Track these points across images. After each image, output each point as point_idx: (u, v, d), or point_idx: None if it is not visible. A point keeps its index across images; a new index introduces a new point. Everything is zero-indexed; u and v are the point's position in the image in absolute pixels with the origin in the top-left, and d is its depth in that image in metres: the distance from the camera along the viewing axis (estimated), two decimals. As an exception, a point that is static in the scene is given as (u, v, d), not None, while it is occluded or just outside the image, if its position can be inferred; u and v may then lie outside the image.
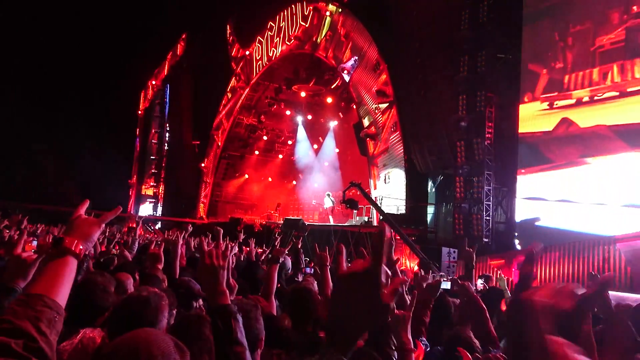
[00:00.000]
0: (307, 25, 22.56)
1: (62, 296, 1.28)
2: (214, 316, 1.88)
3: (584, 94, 12.51)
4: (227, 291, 1.92)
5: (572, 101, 12.77)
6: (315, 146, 28.28)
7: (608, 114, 11.84)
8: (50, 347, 1.17)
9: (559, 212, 12.18)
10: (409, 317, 2.18)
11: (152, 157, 38.86)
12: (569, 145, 12.72)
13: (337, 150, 26.47)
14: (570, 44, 13.05)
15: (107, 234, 10.01)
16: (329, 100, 23.83)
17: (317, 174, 27.97)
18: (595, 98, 12.22)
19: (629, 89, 11.42)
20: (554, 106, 13.20)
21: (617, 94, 11.70)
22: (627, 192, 10.89)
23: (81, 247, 1.41)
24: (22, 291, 1.22)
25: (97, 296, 2.55)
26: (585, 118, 12.43)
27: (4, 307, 1.23)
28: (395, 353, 2.22)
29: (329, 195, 21.95)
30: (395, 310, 2.18)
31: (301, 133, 27.88)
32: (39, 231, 8.62)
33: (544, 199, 12.64)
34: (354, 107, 20.19)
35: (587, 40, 12.51)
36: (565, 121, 12.89)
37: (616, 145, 11.46)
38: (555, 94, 13.19)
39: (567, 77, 12.97)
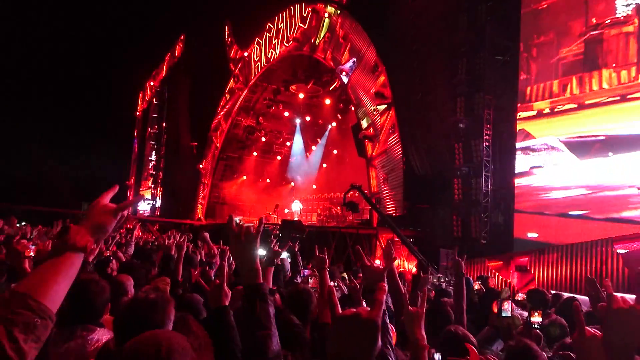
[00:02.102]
0: (305, 27, 22.58)
1: (52, 297, 1.15)
2: (244, 295, 1.89)
3: (544, 105, 12.75)
4: (260, 270, 1.92)
5: (533, 113, 13.03)
6: (314, 148, 28.31)
7: (564, 125, 12.11)
8: (22, 356, 1.05)
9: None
10: (422, 314, 2.18)
11: (150, 159, 38.83)
12: (522, 156, 13.18)
13: (336, 151, 26.51)
14: (535, 56, 13.25)
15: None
16: (328, 101, 23.84)
17: (315, 175, 28.07)
18: (555, 110, 12.44)
19: (587, 102, 11.65)
20: (517, 117, 13.47)
21: (576, 106, 11.92)
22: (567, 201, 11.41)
23: (87, 238, 1.28)
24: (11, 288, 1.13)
25: (94, 296, 2.56)
26: (541, 130, 12.71)
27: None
28: (392, 353, 2.22)
29: (297, 202, 23.21)
30: (409, 307, 2.19)
31: (298, 135, 27.99)
32: (34, 233, 8.58)
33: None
34: (352, 108, 20.20)
35: (551, 51, 12.74)
36: (522, 132, 13.16)
37: (564, 157, 11.90)
38: (518, 105, 13.44)
39: (529, 89, 13.30)
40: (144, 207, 38.39)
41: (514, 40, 13.86)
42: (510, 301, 4.17)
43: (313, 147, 28.40)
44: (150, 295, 2.20)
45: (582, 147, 11.60)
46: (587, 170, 11.44)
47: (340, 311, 1.10)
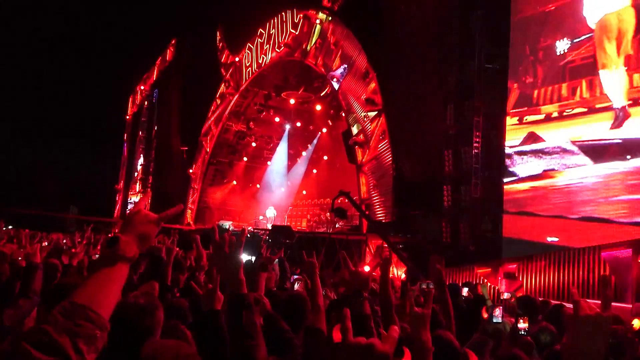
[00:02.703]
0: (297, 33, 22.64)
1: (107, 308, 1.19)
2: (229, 306, 1.87)
3: (552, 109, 12.73)
4: (244, 280, 1.90)
5: (542, 116, 13.03)
6: (304, 153, 28.33)
7: (575, 129, 12.08)
8: None
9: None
10: (429, 315, 2.17)
11: (139, 163, 38.60)
12: (532, 159, 13.07)
13: (326, 157, 26.54)
14: (541, 58, 13.23)
15: (92, 240, 9.89)
16: (318, 107, 23.87)
17: (305, 181, 28.10)
18: (564, 114, 12.43)
19: (597, 105, 11.64)
20: (524, 121, 13.45)
21: (586, 109, 11.90)
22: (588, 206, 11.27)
23: (134, 249, 1.31)
24: (69, 298, 1.15)
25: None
26: (552, 133, 12.68)
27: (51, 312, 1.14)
28: None
29: (271, 208, 23.83)
30: (415, 308, 2.17)
31: (283, 143, 28.06)
32: (22, 237, 8.47)
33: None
34: (343, 115, 20.25)
35: (558, 54, 12.68)
36: (531, 135, 13.13)
37: (579, 160, 11.79)
38: (525, 109, 13.41)
39: (536, 92, 13.19)
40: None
41: (503, 48, 13.98)
42: (500, 307, 4.17)
43: (304, 153, 28.42)
44: (139, 300, 2.17)
45: (596, 150, 11.46)
46: (603, 173, 11.34)
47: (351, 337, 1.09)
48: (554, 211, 12.33)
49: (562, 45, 12.54)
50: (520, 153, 13.38)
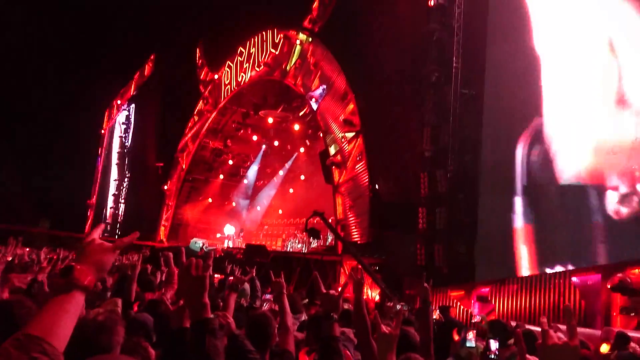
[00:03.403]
0: (277, 53, 22.78)
1: (63, 340, 1.17)
2: (192, 330, 1.83)
3: None
4: (208, 304, 1.86)
5: None
6: (281, 172, 28.31)
7: None
8: None
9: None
10: (397, 336, 2.14)
11: (113, 178, 38.02)
12: None
13: (303, 177, 26.54)
14: None
15: (61, 256, 9.61)
16: (297, 127, 23.94)
17: (281, 200, 28.05)
18: None
19: None
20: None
21: None
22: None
23: (90, 278, 1.28)
24: (21, 330, 1.12)
25: (18, 319, 2.42)
26: None
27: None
28: None
29: (228, 225, 24.47)
30: (382, 327, 2.15)
31: (257, 161, 28.11)
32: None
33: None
34: (321, 135, 20.33)
35: None
36: None
37: None
38: None
39: None
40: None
41: (479, 73, 14.26)
42: (474, 330, 4.17)
43: (280, 172, 28.40)
44: (98, 317, 2.11)
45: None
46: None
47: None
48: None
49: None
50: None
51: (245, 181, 29.34)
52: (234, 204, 29.34)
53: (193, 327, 1.83)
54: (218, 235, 25.45)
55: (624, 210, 10.23)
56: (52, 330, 1.14)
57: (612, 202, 10.48)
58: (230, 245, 22.76)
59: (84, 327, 2.05)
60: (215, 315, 2.84)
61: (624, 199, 10.25)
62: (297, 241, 22.44)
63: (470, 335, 4.04)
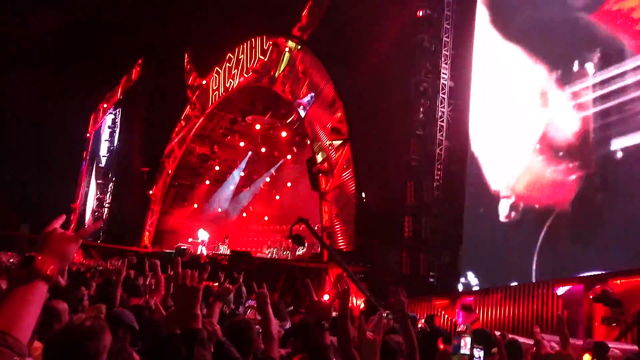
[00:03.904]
0: (265, 59, 22.80)
1: (26, 332, 1.14)
2: (180, 341, 1.83)
3: None
4: (200, 315, 1.87)
5: None
6: (268, 179, 28.25)
7: None
8: None
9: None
10: (380, 342, 2.14)
11: (98, 182, 37.63)
12: None
13: (290, 184, 26.50)
14: None
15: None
16: (284, 134, 23.93)
17: (267, 207, 27.98)
18: None
19: None
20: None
21: None
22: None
23: (53, 267, 1.24)
24: None
25: None
26: None
27: None
28: None
29: (202, 230, 24.45)
30: (367, 333, 2.15)
31: (240, 167, 27.99)
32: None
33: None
34: (308, 142, 20.34)
35: None
36: None
37: None
38: None
39: None
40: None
41: (466, 86, 14.42)
42: (467, 338, 4.16)
43: (267, 179, 28.34)
44: (85, 323, 2.07)
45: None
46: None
47: None
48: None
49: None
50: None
51: (231, 187, 29.19)
52: (219, 210, 29.17)
53: (183, 336, 1.84)
54: (190, 239, 25.31)
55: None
56: (15, 323, 1.12)
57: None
58: (204, 252, 22.64)
59: (71, 332, 2.03)
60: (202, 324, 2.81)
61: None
62: (282, 249, 22.36)
63: (463, 342, 4.04)
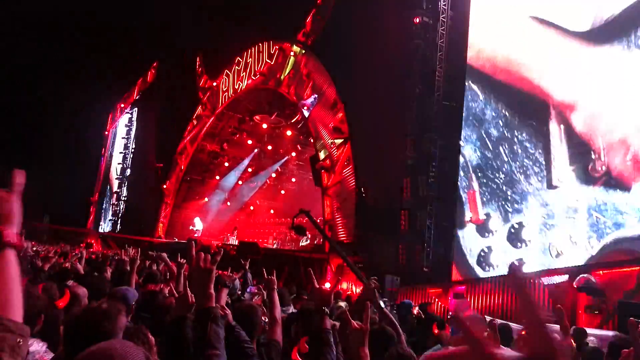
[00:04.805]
0: (272, 63, 22.77)
1: (18, 308, 1.03)
2: (197, 318, 1.87)
3: None
4: (214, 294, 1.90)
5: None
6: (274, 175, 28.26)
7: None
8: None
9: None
10: (367, 331, 2.14)
11: (115, 177, 37.72)
12: None
13: (294, 179, 26.51)
14: None
15: (65, 249, 9.52)
16: (289, 133, 23.92)
17: (272, 201, 28.01)
18: None
19: None
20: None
21: None
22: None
23: (14, 233, 1.10)
24: None
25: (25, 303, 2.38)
26: None
27: None
28: None
29: (197, 219, 25.05)
30: (354, 323, 2.15)
31: (244, 162, 27.92)
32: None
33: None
34: (312, 140, 20.33)
35: None
36: None
37: None
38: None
39: None
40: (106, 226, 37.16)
41: (460, 87, 14.36)
42: None
43: (273, 175, 28.34)
44: (102, 305, 2.09)
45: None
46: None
47: None
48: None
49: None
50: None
51: (239, 182, 29.19)
52: (228, 203, 29.19)
53: (198, 314, 1.88)
54: (191, 227, 25.53)
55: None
56: (6, 303, 1.02)
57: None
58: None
59: (88, 314, 2.04)
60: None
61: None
62: (287, 241, 22.39)
63: None
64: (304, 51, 21.05)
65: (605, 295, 9.05)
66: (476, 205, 13.00)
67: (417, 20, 15.44)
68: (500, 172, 12.56)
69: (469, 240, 13.04)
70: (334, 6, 19.68)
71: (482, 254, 12.48)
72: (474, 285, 11.66)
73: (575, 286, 9.35)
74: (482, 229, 12.70)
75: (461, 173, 13.75)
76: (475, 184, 13.23)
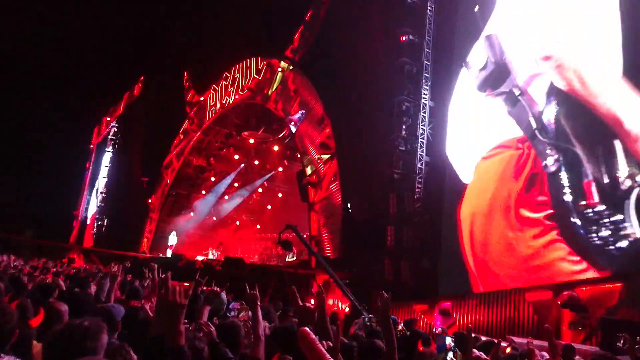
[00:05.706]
0: (260, 79, 22.86)
1: None
2: (165, 356, 1.77)
3: None
4: (184, 331, 1.80)
5: None
6: (260, 190, 28.16)
7: None
8: None
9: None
10: (337, 349, 2.12)
11: (100, 191, 37.24)
12: None
13: (281, 195, 26.46)
14: None
15: (47, 265, 9.33)
16: (276, 148, 23.94)
17: (259, 216, 27.87)
18: None
19: None
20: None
21: None
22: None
23: None
24: None
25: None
26: None
27: None
28: None
29: (173, 234, 25.21)
30: (324, 342, 2.12)
31: (229, 178, 27.81)
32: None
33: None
34: (299, 156, 20.36)
35: None
36: None
37: None
38: None
39: None
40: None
41: (445, 105, 14.52)
42: (451, 336, 4.11)
43: (259, 190, 28.24)
44: (84, 322, 2.04)
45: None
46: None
47: None
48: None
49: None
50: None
51: (225, 197, 29.02)
52: (214, 218, 28.97)
53: (168, 352, 1.80)
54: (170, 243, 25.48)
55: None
56: None
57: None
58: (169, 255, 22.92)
59: (70, 332, 1.99)
60: (197, 324, 2.77)
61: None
62: (272, 256, 22.26)
63: (449, 340, 3.98)
64: (291, 67, 21.18)
65: (589, 311, 9.11)
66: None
67: (404, 38, 15.65)
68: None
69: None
70: (322, 23, 19.91)
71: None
72: (459, 301, 11.66)
73: (558, 302, 9.39)
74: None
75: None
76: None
